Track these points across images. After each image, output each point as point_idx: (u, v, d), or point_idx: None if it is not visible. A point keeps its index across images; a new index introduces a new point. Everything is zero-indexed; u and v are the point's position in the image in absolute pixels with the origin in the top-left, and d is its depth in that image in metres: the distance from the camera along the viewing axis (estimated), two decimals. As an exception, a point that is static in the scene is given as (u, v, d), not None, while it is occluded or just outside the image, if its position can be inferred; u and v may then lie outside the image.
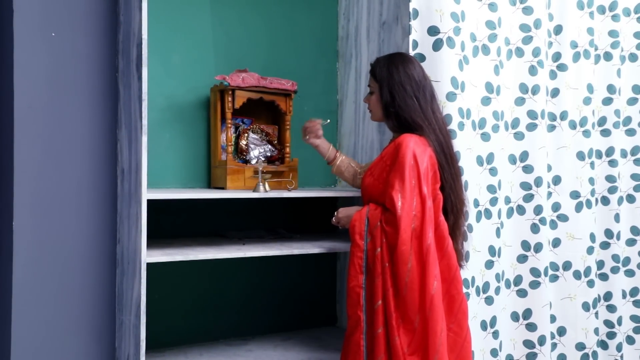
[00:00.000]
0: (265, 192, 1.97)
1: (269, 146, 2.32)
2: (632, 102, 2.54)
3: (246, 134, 2.29)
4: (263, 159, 2.29)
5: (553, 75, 2.37)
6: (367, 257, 1.78)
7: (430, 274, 1.71)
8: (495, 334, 2.20)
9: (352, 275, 1.80)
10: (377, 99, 1.89)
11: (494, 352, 2.20)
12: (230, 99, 2.14)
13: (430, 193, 1.77)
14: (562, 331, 2.38)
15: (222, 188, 2.14)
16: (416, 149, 1.76)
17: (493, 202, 2.19)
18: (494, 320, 2.19)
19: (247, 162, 2.26)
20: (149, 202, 1.75)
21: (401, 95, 1.82)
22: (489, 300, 2.18)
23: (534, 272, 2.29)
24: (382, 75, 1.86)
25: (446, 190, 1.84)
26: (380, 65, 1.88)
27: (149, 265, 1.75)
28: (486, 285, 2.18)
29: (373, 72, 1.90)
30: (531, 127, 2.30)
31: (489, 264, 2.18)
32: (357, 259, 1.79)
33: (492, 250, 2.19)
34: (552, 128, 2.37)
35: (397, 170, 1.76)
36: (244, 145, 2.27)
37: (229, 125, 2.19)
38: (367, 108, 1.98)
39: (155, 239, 2.02)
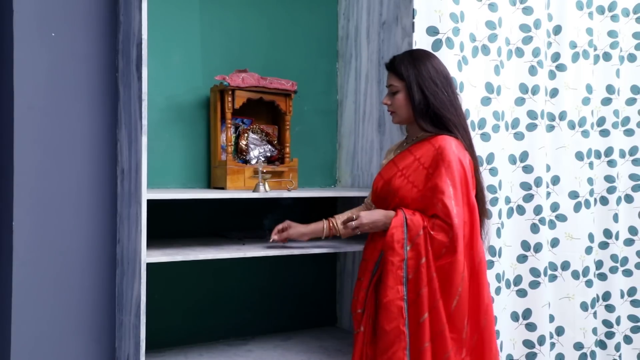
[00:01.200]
0: (265, 192, 1.97)
1: (269, 146, 2.32)
2: (630, 102, 2.55)
3: (246, 134, 2.29)
4: (263, 159, 2.29)
5: (552, 75, 2.38)
6: (407, 267, 1.67)
7: (484, 282, 1.71)
8: (497, 334, 2.20)
9: (389, 287, 1.66)
10: (405, 98, 1.77)
11: (494, 352, 2.20)
12: (230, 99, 2.14)
13: (475, 202, 1.74)
14: (560, 331, 2.39)
15: (222, 188, 2.14)
16: (459, 154, 1.71)
17: (493, 202, 2.19)
18: (494, 321, 2.19)
19: (247, 162, 2.26)
20: (149, 202, 1.75)
21: (432, 90, 1.74)
22: (490, 301, 2.19)
23: (534, 272, 2.29)
24: (409, 72, 1.75)
25: (478, 193, 1.80)
26: (404, 63, 1.78)
27: (148, 265, 1.75)
28: (486, 286, 2.18)
29: (395, 71, 1.79)
30: (531, 127, 2.30)
31: (490, 264, 2.18)
32: (396, 269, 1.66)
33: (492, 251, 2.19)
34: (551, 128, 2.37)
35: (446, 176, 1.67)
36: (243, 146, 2.28)
37: (229, 126, 2.19)
38: (387, 110, 1.87)
39: (155, 239, 2.02)
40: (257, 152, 2.29)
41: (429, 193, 1.69)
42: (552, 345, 2.38)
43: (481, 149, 2.16)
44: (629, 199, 2.54)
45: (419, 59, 1.78)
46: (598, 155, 2.48)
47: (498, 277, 2.22)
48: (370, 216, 1.76)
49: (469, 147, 1.79)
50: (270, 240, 1.91)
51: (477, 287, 1.71)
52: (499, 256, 2.22)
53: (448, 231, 1.64)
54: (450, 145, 1.71)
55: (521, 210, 2.30)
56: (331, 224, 1.92)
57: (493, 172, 2.20)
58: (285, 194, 2.01)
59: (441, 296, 1.65)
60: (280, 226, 1.93)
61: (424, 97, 1.74)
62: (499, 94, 2.22)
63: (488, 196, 2.16)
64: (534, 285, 2.29)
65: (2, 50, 1.93)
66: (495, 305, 2.20)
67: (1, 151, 1.94)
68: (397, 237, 1.68)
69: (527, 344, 2.30)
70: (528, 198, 2.30)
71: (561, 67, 2.37)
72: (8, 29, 1.85)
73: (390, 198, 1.79)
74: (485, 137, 2.18)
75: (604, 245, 2.48)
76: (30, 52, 1.84)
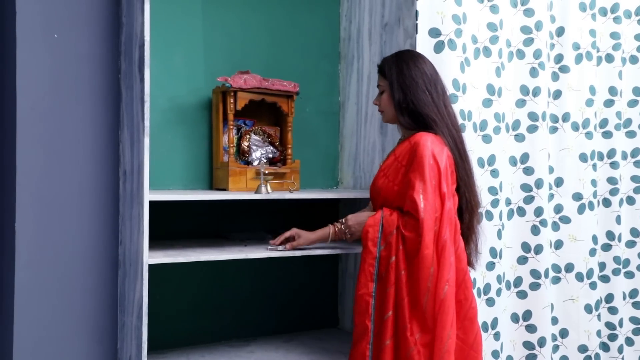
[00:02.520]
0: (267, 193, 1.97)
1: (271, 147, 2.32)
2: (632, 104, 2.55)
3: (248, 136, 2.30)
4: (265, 160, 2.29)
5: (555, 77, 2.38)
6: (379, 265, 1.72)
7: (442, 277, 1.64)
8: (497, 336, 2.20)
9: (361, 283, 1.73)
10: (388, 98, 1.83)
11: (495, 354, 2.20)
12: (232, 100, 2.15)
13: (450, 193, 1.71)
14: (564, 333, 2.38)
15: (224, 189, 2.14)
16: (434, 148, 1.70)
17: (494, 203, 2.19)
18: (495, 322, 2.20)
19: (249, 163, 2.27)
20: (151, 203, 1.75)
21: (413, 89, 1.77)
22: (490, 302, 2.18)
23: (534, 273, 2.29)
24: (392, 72, 1.80)
25: (461, 188, 1.78)
26: (388, 63, 1.83)
27: (150, 266, 1.75)
28: (487, 287, 2.18)
29: (382, 71, 1.85)
30: (532, 129, 2.30)
31: (490, 266, 2.18)
32: (368, 266, 1.73)
33: (493, 252, 2.19)
34: (554, 130, 2.37)
35: (417, 171, 1.69)
36: (245, 147, 2.28)
37: (231, 127, 2.19)
38: (377, 110, 1.92)
39: (157, 241, 2.03)
40: (259, 153, 2.29)
41: (404, 189, 1.73)
42: (556, 347, 2.37)
43: (482, 150, 2.16)
44: (630, 200, 2.54)
45: (402, 59, 1.82)
46: (600, 157, 2.48)
47: (499, 279, 2.22)
48: (356, 218, 1.83)
49: (453, 144, 1.78)
50: (278, 246, 1.92)
51: (437, 282, 1.65)
52: (500, 258, 2.22)
53: (416, 227, 1.66)
54: (426, 140, 1.72)
55: (521, 211, 2.30)
56: (336, 229, 1.91)
57: (494, 173, 2.19)
58: (287, 196, 2.01)
59: (407, 294, 1.66)
60: (287, 234, 1.93)
61: (404, 96, 1.78)
62: (500, 96, 2.22)
63: (488, 197, 2.16)
64: (534, 286, 2.29)
65: (4, 52, 1.94)
66: (495, 307, 2.20)
67: (4, 152, 1.95)
68: (371, 236, 1.74)
69: (527, 345, 2.30)
70: (528, 200, 2.30)
71: (564, 69, 2.37)
72: (10, 31, 1.85)
73: (377, 198, 1.86)
74: (486, 138, 2.18)
75: (606, 247, 2.48)
76: (32, 53, 1.84)
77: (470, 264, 1.84)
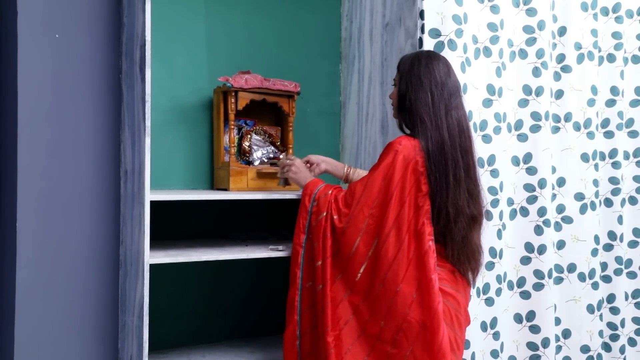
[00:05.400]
0: (288, 185, 2.05)
1: (272, 147, 2.32)
2: (634, 104, 2.54)
3: (249, 136, 2.30)
4: (266, 160, 2.29)
5: (557, 76, 2.37)
6: (310, 219, 1.82)
7: (397, 281, 1.68)
8: (496, 335, 2.20)
9: (295, 234, 1.84)
10: (397, 92, 1.86)
11: (495, 354, 2.20)
12: (233, 100, 2.15)
13: (410, 201, 1.71)
14: (567, 334, 2.38)
15: (225, 189, 2.14)
16: (402, 150, 1.73)
17: (494, 203, 2.19)
18: (494, 322, 2.19)
19: (250, 163, 2.27)
20: (152, 203, 1.75)
21: (416, 86, 1.78)
22: (489, 302, 2.18)
23: (538, 274, 2.29)
24: (405, 67, 1.84)
25: (432, 193, 1.73)
26: (405, 59, 1.87)
27: (152, 266, 1.75)
28: (486, 287, 2.17)
29: (398, 66, 1.89)
30: (535, 128, 2.30)
31: (490, 265, 2.18)
32: (302, 219, 1.84)
33: (492, 252, 2.18)
34: (556, 130, 2.36)
35: (373, 168, 1.76)
36: (247, 147, 2.28)
37: (232, 127, 2.19)
38: (391, 104, 1.97)
39: (158, 240, 2.03)
40: (260, 153, 2.29)
41: None
42: (559, 348, 2.37)
43: (482, 150, 2.16)
44: (633, 200, 2.53)
45: (418, 57, 1.84)
46: (602, 157, 2.47)
47: (499, 279, 2.21)
48: (306, 173, 1.97)
49: (437, 148, 1.74)
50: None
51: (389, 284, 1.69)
52: (500, 258, 2.22)
53: (345, 214, 1.76)
54: (398, 141, 1.76)
55: (525, 212, 2.29)
56: (350, 171, 2.14)
57: (494, 173, 2.19)
58: (288, 195, 2.01)
59: (330, 255, 1.76)
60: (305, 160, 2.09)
61: (406, 91, 1.81)
62: (500, 96, 2.22)
63: (489, 197, 2.15)
64: (538, 287, 2.29)
65: (6, 52, 1.94)
66: (495, 307, 2.19)
67: (5, 152, 1.95)
68: (309, 191, 1.87)
69: (531, 346, 2.29)
70: (532, 200, 2.29)
71: (566, 69, 2.36)
72: (12, 31, 1.86)
73: None
74: (486, 138, 2.17)
75: (608, 247, 2.47)
76: (34, 53, 1.85)
77: (462, 274, 1.79)
